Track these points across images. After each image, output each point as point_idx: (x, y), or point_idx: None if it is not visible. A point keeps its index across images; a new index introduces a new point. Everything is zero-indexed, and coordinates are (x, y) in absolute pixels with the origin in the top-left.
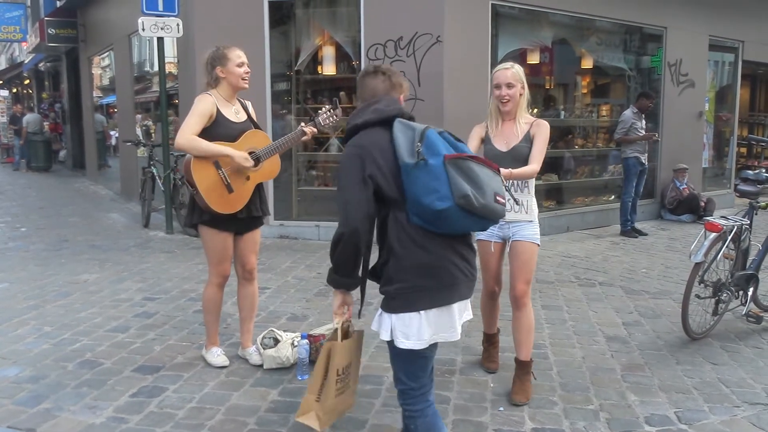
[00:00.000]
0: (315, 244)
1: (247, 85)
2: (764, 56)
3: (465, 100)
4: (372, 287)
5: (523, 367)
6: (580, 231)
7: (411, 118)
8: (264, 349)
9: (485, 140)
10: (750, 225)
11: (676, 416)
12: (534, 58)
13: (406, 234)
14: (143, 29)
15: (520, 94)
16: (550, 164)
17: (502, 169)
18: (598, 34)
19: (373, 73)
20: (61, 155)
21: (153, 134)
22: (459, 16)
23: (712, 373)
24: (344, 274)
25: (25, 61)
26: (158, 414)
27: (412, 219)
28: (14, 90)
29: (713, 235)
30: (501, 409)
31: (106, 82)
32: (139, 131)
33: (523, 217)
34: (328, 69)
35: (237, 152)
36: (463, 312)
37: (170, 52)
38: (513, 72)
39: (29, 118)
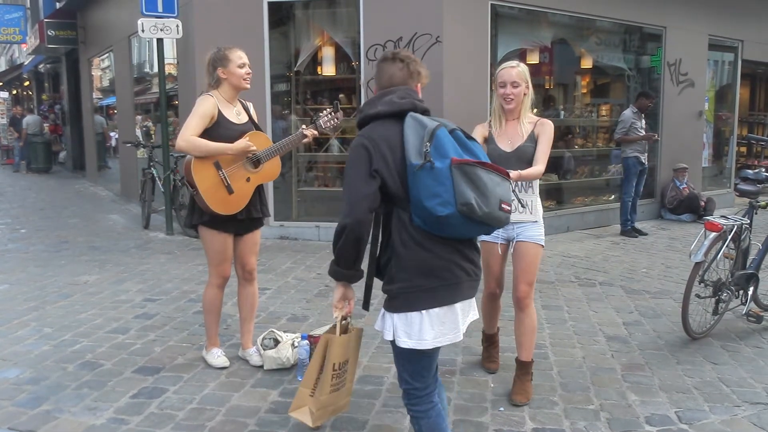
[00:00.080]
0: (315, 244)
1: (248, 86)
2: (764, 55)
3: (465, 100)
4: (377, 284)
5: (523, 368)
6: (580, 231)
7: (425, 112)
8: (264, 349)
9: (488, 140)
10: (750, 224)
11: (677, 416)
12: (534, 58)
13: (408, 234)
14: (143, 30)
15: (525, 94)
16: (550, 164)
17: (511, 172)
18: (597, 34)
19: (391, 60)
20: (61, 157)
21: (153, 135)
22: (458, 16)
23: (712, 373)
24: (346, 266)
25: (25, 63)
26: (159, 415)
27: (414, 220)
28: (14, 92)
29: (713, 234)
30: (501, 409)
31: (105, 83)
32: (139, 132)
33: (528, 218)
34: (328, 70)
35: (236, 144)
36: (467, 312)
37: (170, 53)
38: (518, 71)
39: (29, 120)
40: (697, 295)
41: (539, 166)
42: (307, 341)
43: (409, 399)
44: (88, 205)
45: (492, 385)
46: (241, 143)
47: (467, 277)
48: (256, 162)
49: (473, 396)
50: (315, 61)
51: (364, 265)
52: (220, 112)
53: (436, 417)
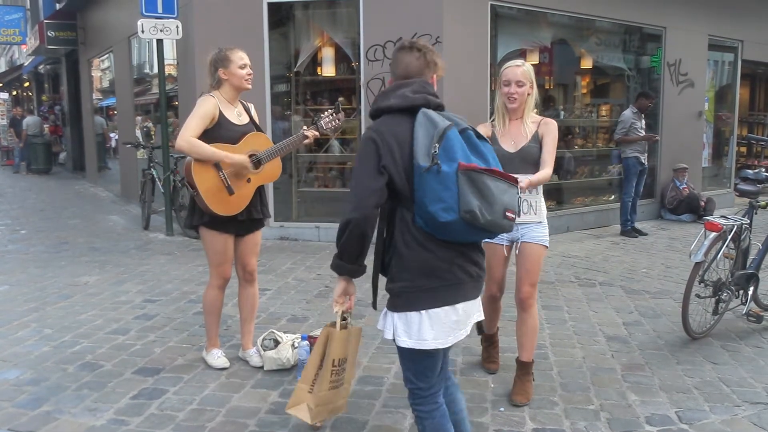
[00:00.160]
0: (315, 245)
1: (249, 87)
2: (764, 56)
3: (465, 100)
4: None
5: (524, 368)
6: (580, 231)
7: (439, 107)
8: (264, 350)
9: (492, 140)
10: (750, 224)
11: (677, 416)
12: (533, 59)
13: (410, 234)
14: (143, 31)
15: (528, 94)
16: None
17: (521, 180)
18: (597, 34)
19: (408, 49)
20: (61, 157)
21: (153, 136)
22: (458, 16)
23: (712, 373)
24: (349, 260)
25: (25, 64)
26: (159, 416)
27: (417, 221)
28: (14, 92)
29: (713, 234)
30: (501, 409)
31: (105, 84)
32: (138, 133)
33: (532, 219)
34: (328, 70)
35: (237, 156)
36: (471, 313)
37: (170, 54)
38: (523, 70)
39: (29, 121)
40: (697, 295)
41: (547, 169)
42: (307, 342)
43: (413, 399)
44: (88, 206)
45: (492, 385)
46: (241, 159)
47: (469, 278)
48: (256, 163)
49: (473, 396)
50: (315, 61)
51: (370, 263)
52: (221, 113)
53: (440, 418)
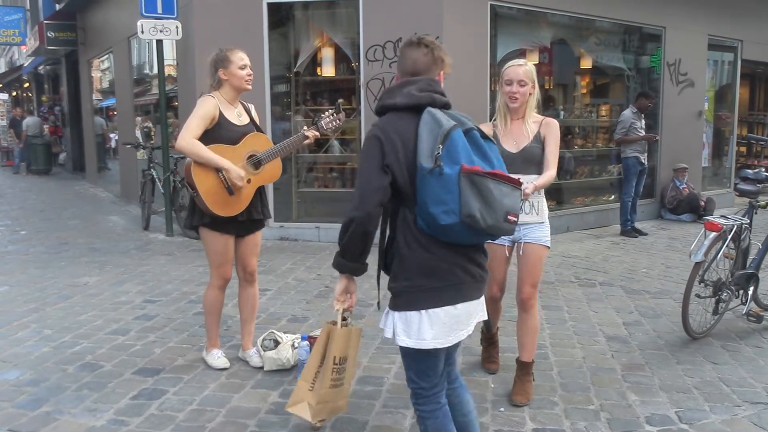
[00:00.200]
0: (315, 245)
1: (249, 87)
2: (763, 55)
3: (464, 100)
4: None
5: (524, 368)
6: (580, 231)
7: (446, 106)
8: (264, 350)
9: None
10: (750, 224)
11: (677, 416)
12: (533, 59)
13: (412, 235)
14: (142, 32)
15: (530, 93)
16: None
17: (526, 186)
18: (597, 34)
19: (416, 44)
20: (60, 158)
21: (153, 137)
22: (458, 16)
23: (712, 373)
24: (351, 258)
25: (25, 65)
26: (159, 416)
27: (419, 222)
28: (14, 93)
29: (713, 234)
30: (501, 409)
31: (105, 84)
32: (138, 134)
33: (534, 219)
34: (328, 70)
35: (234, 169)
36: (472, 314)
37: (169, 54)
38: (525, 69)
39: (29, 122)
40: (697, 295)
41: (551, 171)
42: (307, 342)
43: (416, 399)
44: (88, 206)
45: (492, 385)
46: (239, 173)
47: (471, 278)
48: (256, 163)
49: (473, 396)
50: (314, 62)
51: (372, 263)
52: (221, 113)
53: (443, 418)
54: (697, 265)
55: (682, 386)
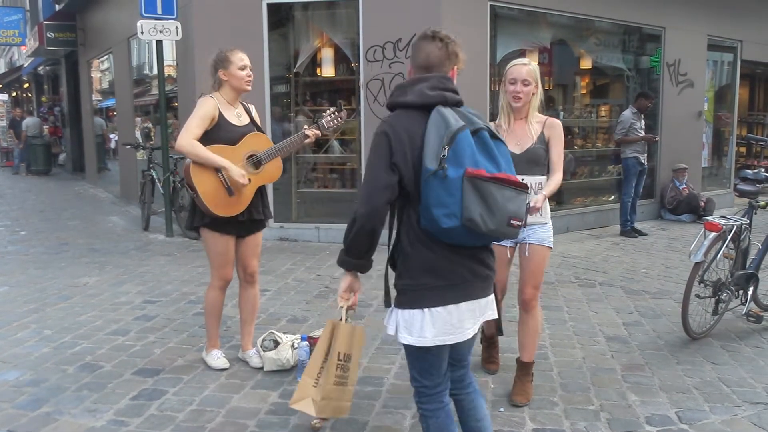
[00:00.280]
0: (315, 246)
1: (249, 88)
2: (763, 56)
3: (464, 101)
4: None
5: (524, 368)
6: (579, 231)
7: (458, 103)
8: (264, 351)
9: None
10: (749, 224)
11: (677, 416)
12: (533, 59)
13: (415, 234)
14: (142, 32)
15: (533, 93)
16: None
17: (535, 201)
18: (596, 35)
19: (430, 38)
20: (60, 159)
21: (152, 137)
22: (457, 17)
23: (712, 373)
24: (356, 255)
25: (25, 65)
26: (158, 417)
27: (422, 222)
28: (14, 94)
29: (713, 234)
30: (501, 409)
31: (105, 85)
32: (138, 134)
33: (538, 220)
34: (327, 71)
35: (235, 168)
36: (477, 313)
37: (169, 55)
38: (529, 69)
39: (29, 122)
40: (697, 296)
41: (558, 175)
42: (306, 342)
43: (419, 397)
44: (88, 207)
45: (492, 385)
46: (239, 173)
47: (476, 278)
48: (256, 163)
49: None
50: (314, 62)
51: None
52: (220, 114)
53: (445, 418)
54: (697, 265)
55: (682, 386)
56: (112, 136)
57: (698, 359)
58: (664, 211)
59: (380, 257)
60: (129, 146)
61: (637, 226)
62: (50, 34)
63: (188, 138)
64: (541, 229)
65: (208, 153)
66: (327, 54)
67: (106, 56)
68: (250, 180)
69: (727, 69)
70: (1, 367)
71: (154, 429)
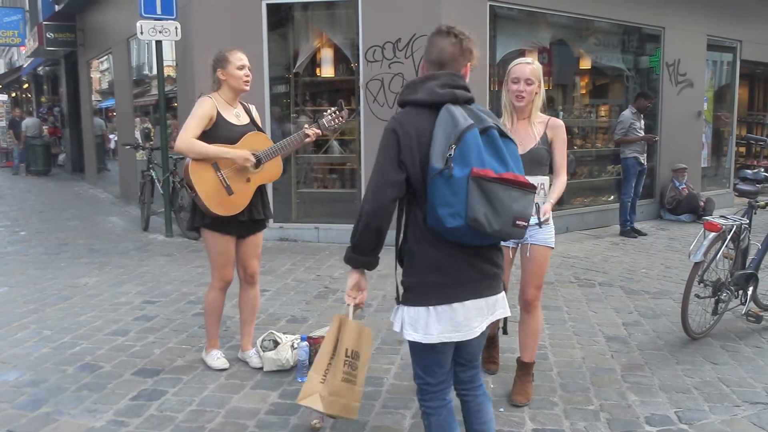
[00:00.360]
0: (314, 246)
1: (247, 88)
2: (762, 56)
3: None
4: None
5: (525, 368)
6: (579, 231)
7: (470, 101)
8: (264, 351)
9: None
10: (749, 224)
11: (677, 416)
12: (533, 59)
13: (421, 232)
14: (142, 33)
15: (536, 93)
16: (550, 165)
17: (545, 210)
18: (596, 35)
19: (445, 33)
20: (60, 159)
21: (152, 137)
22: (457, 17)
23: (712, 373)
24: (363, 252)
25: (24, 66)
26: (158, 417)
27: (428, 221)
28: (13, 94)
29: (712, 234)
30: (501, 409)
31: (105, 85)
32: (138, 135)
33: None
34: (327, 71)
35: (237, 151)
36: (485, 311)
37: (169, 55)
38: (532, 68)
39: (28, 122)
40: (697, 295)
41: (562, 177)
42: (306, 342)
43: (421, 395)
44: (88, 207)
45: (492, 385)
46: (241, 152)
47: (482, 276)
48: (256, 162)
49: None
50: (314, 62)
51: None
52: (219, 114)
53: (446, 416)
54: (697, 265)
55: (682, 386)
56: (111, 136)
57: (698, 359)
58: (664, 211)
59: (386, 257)
60: (128, 146)
61: (637, 226)
62: (50, 35)
63: (186, 137)
64: (542, 230)
65: (206, 147)
66: (326, 54)
67: (106, 57)
68: (249, 179)
69: (726, 69)
70: (1, 367)
71: (153, 429)
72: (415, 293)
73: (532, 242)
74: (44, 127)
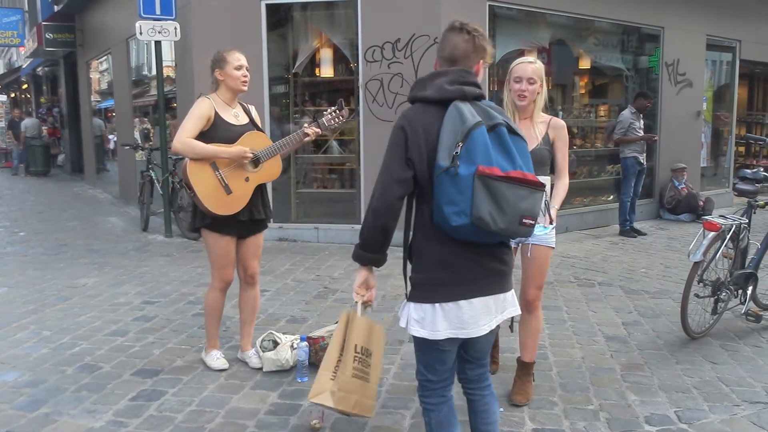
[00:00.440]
0: (314, 246)
1: (245, 88)
2: (762, 55)
3: None
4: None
5: (525, 368)
6: (579, 231)
7: (479, 97)
8: (263, 351)
9: None
10: (749, 224)
11: (676, 415)
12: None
13: (428, 229)
14: (141, 33)
15: (538, 92)
16: (551, 165)
17: (551, 214)
18: (595, 35)
19: (458, 30)
20: (59, 159)
21: (151, 138)
22: (456, 17)
23: (711, 372)
24: (371, 250)
25: (23, 66)
26: (158, 417)
27: (434, 219)
28: (12, 95)
29: (712, 234)
30: (501, 409)
31: (104, 86)
32: (137, 135)
33: (541, 220)
34: (326, 71)
35: (232, 148)
36: (493, 309)
37: (168, 55)
38: (535, 67)
39: (27, 123)
40: (696, 295)
41: (565, 179)
42: (306, 343)
43: (422, 391)
44: (87, 207)
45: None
46: (237, 148)
47: (489, 274)
48: (255, 161)
49: None
50: (313, 62)
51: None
52: (217, 114)
53: (447, 412)
54: (696, 264)
55: (682, 386)
56: (111, 136)
57: (697, 359)
58: (663, 210)
59: (392, 257)
60: (128, 147)
61: (636, 225)
62: (49, 35)
63: (183, 137)
64: (543, 229)
65: (204, 146)
66: (326, 54)
67: (105, 57)
68: (248, 178)
69: (725, 69)
70: (0, 368)
71: (153, 430)
72: (421, 290)
73: (533, 242)
74: (43, 128)
